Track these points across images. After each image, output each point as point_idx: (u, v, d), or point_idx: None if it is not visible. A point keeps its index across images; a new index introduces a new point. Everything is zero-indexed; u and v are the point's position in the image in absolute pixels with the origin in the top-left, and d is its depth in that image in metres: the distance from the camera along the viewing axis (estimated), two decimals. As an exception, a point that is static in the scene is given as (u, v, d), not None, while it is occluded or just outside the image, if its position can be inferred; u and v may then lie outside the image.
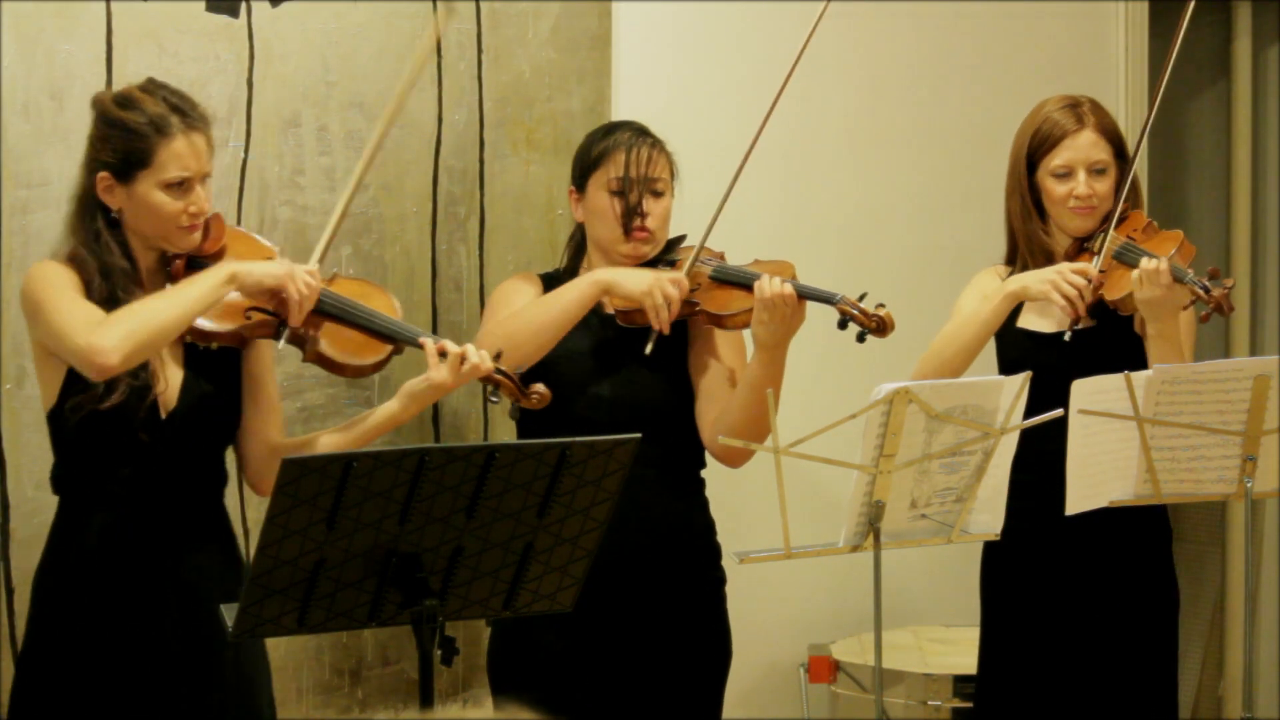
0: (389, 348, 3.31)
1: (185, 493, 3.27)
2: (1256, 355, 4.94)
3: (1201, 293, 3.57)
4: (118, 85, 3.74)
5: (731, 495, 3.85)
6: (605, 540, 3.02)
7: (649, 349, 3.54)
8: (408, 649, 4.04)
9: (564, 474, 2.87)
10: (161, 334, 3.12)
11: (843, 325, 3.52)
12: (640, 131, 3.71)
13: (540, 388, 3.29)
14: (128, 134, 3.20)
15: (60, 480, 3.29)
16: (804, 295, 3.52)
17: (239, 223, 3.96)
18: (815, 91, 4.76)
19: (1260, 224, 5.52)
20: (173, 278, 3.26)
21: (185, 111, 3.23)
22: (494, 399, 3.32)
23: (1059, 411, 3.42)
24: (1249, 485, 3.49)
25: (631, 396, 3.62)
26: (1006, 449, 3.40)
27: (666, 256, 3.71)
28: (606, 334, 3.67)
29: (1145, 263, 3.59)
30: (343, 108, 4.03)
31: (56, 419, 3.24)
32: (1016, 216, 3.87)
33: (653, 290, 3.52)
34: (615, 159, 3.64)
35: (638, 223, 3.64)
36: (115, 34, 3.78)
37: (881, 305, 3.50)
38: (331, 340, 3.28)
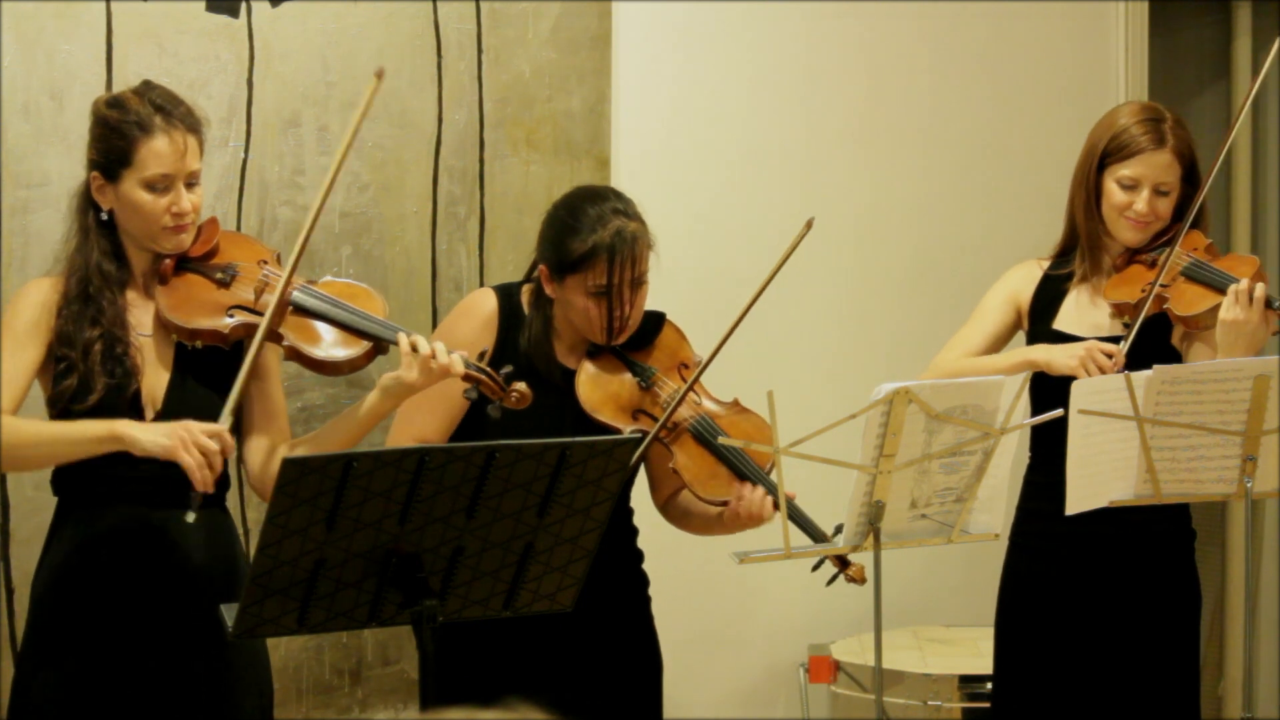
0: (366, 344, 3.28)
1: (176, 497, 3.21)
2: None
3: None
4: (118, 85, 3.76)
5: (731, 495, 3.85)
6: None
7: None
8: (408, 649, 4.04)
9: (564, 474, 2.87)
10: (20, 462, 3.21)
11: (828, 577, 3.43)
12: (619, 230, 3.33)
13: (521, 386, 3.19)
14: (113, 132, 3.22)
15: (56, 480, 3.30)
16: (796, 521, 3.35)
17: (239, 222, 3.96)
18: (816, 93, 4.76)
19: (1260, 224, 5.52)
20: (162, 278, 3.25)
21: (169, 110, 3.23)
22: (471, 395, 3.26)
23: (1059, 412, 3.42)
24: (1249, 485, 3.49)
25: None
26: (1006, 449, 3.40)
27: (645, 375, 3.46)
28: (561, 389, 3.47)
29: (1240, 284, 3.55)
30: (343, 108, 4.03)
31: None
32: (1080, 210, 3.82)
33: None
34: (599, 266, 3.32)
35: (620, 324, 3.39)
36: (115, 34, 3.79)
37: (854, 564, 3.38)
38: (306, 337, 3.26)
